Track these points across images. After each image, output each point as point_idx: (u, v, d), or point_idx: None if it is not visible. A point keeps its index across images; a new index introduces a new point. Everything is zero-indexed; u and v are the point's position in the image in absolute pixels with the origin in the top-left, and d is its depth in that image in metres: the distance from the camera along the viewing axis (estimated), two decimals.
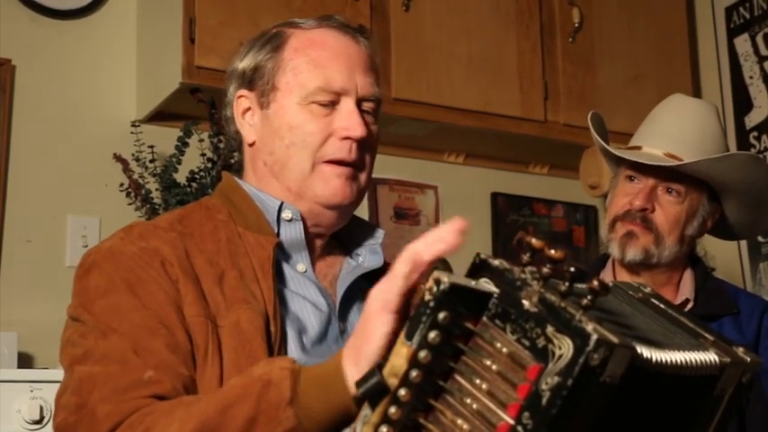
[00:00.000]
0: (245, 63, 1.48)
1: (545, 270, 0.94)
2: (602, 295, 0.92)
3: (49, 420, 2.21)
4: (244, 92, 1.48)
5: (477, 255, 1.00)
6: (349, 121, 1.41)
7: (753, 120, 3.46)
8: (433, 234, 1.04)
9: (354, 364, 1.06)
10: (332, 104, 1.42)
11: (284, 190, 1.43)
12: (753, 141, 3.44)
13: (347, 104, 1.42)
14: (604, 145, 2.13)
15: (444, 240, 1.03)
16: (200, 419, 1.13)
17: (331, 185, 1.41)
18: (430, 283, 0.97)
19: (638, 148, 2.11)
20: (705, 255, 3.17)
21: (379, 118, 1.49)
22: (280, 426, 1.09)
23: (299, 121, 1.41)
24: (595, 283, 0.92)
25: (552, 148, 3.27)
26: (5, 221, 2.65)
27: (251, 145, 1.48)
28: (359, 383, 1.01)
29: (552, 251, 0.93)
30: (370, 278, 1.48)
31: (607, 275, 2.16)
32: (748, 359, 1.12)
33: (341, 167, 1.41)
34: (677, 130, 2.10)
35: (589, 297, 0.92)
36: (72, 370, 1.27)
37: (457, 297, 0.97)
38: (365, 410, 1.01)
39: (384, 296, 1.03)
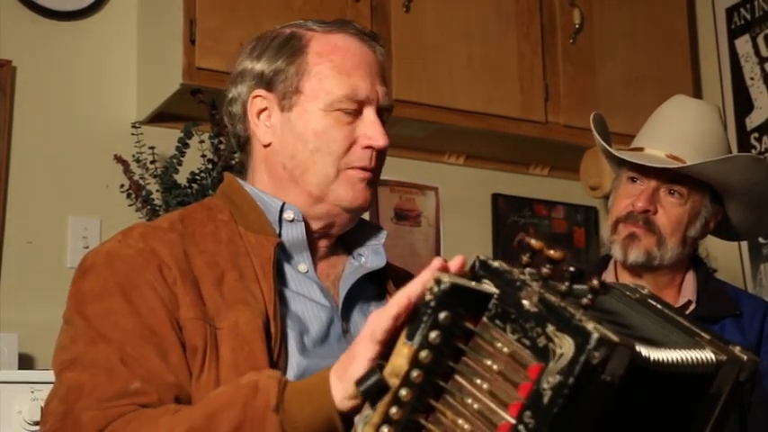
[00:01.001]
0: (262, 65, 1.47)
1: (544, 270, 0.95)
2: (602, 294, 0.93)
3: None
4: (261, 92, 1.46)
5: (477, 257, 1.01)
6: (373, 130, 1.42)
7: (753, 121, 3.45)
8: (425, 276, 1.05)
9: (339, 380, 1.09)
10: (356, 113, 1.43)
11: (303, 193, 1.43)
12: (753, 142, 3.44)
13: (370, 114, 1.43)
14: (606, 147, 2.12)
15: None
16: (187, 426, 1.15)
17: (355, 189, 1.43)
18: (431, 283, 0.97)
19: (641, 149, 2.11)
20: (707, 256, 3.17)
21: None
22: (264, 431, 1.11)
23: (325, 128, 1.41)
24: (595, 282, 0.92)
25: (553, 149, 3.27)
26: (6, 223, 2.64)
27: (266, 146, 1.47)
28: (359, 382, 1.01)
29: (552, 251, 0.94)
30: (373, 278, 1.49)
31: (609, 277, 2.16)
32: (745, 357, 1.13)
33: (364, 172, 1.43)
34: (679, 131, 2.09)
35: (589, 296, 0.92)
36: (61, 376, 1.27)
37: (457, 297, 0.97)
38: (366, 410, 1.01)
39: (374, 326, 1.06)
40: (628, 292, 1.20)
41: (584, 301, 0.92)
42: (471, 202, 3.37)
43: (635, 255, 2.05)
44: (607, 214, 2.18)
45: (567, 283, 0.93)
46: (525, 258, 0.97)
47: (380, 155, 1.45)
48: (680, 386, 1.08)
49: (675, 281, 2.13)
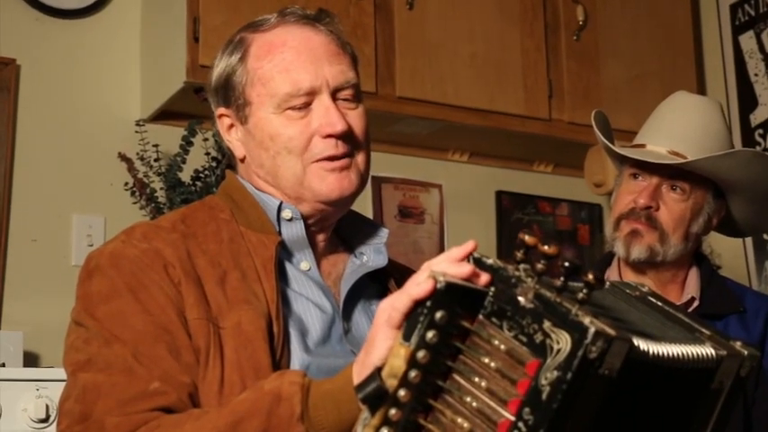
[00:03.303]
0: (215, 77, 1.47)
1: (539, 266, 0.94)
2: (598, 288, 0.93)
3: (55, 419, 2.21)
4: (222, 110, 1.47)
5: (471, 255, 1.01)
6: (327, 118, 1.39)
7: (758, 117, 3.44)
8: (446, 256, 1.04)
9: (358, 374, 1.07)
10: (306, 105, 1.40)
11: (284, 196, 1.43)
12: (758, 139, 3.43)
13: (322, 101, 1.40)
14: (608, 143, 2.12)
15: (457, 265, 1.03)
16: None
17: (327, 182, 1.40)
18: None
19: (642, 145, 2.11)
20: (711, 253, 3.16)
21: (363, 95, 1.47)
22: None
23: (278, 129, 1.40)
24: (590, 276, 0.92)
25: (557, 146, 3.27)
26: (11, 221, 2.65)
27: (242, 160, 1.47)
28: (358, 388, 1.01)
29: (546, 247, 0.94)
30: (375, 277, 1.48)
31: (612, 274, 2.16)
32: (745, 352, 1.12)
33: (332, 162, 1.40)
34: (681, 127, 2.09)
35: (584, 291, 0.92)
36: (75, 376, 1.27)
37: (453, 296, 0.97)
38: (365, 413, 1.01)
39: (389, 312, 1.04)
40: (627, 290, 1.20)
41: (580, 295, 0.92)
42: (475, 200, 3.37)
43: (637, 251, 2.05)
44: (611, 211, 2.18)
45: (562, 279, 0.93)
46: (519, 255, 0.97)
47: (350, 138, 1.41)
48: (680, 381, 1.07)
49: (678, 277, 2.12)
